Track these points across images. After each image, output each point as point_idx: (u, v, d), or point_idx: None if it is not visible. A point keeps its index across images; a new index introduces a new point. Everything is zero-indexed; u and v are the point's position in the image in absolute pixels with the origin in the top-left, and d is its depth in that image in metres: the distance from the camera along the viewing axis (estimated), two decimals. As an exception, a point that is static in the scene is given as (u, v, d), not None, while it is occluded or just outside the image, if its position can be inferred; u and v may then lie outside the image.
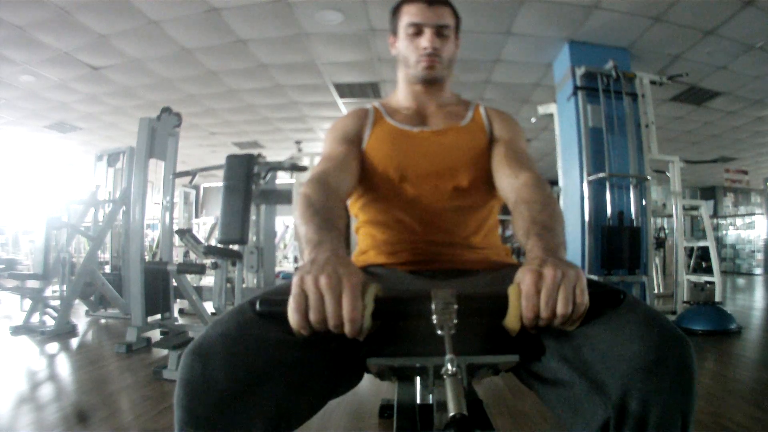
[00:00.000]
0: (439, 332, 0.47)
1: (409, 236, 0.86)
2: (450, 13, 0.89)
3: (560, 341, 0.59)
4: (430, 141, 0.89)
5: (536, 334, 0.64)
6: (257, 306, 0.52)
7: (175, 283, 3.22)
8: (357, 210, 0.95)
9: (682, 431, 0.50)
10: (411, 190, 0.87)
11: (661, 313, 0.57)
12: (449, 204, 0.87)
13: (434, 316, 0.47)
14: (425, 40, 0.86)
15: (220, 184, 2.59)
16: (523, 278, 0.50)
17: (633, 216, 3.34)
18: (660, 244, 6.07)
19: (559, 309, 0.48)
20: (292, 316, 0.49)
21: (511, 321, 0.51)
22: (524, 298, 0.49)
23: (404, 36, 0.89)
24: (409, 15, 0.87)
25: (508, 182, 0.81)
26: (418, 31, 0.87)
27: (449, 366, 0.43)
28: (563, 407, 0.59)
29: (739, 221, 9.39)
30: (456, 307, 0.48)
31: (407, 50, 0.89)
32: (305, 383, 0.58)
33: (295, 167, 3.06)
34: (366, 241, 0.92)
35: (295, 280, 0.49)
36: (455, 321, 0.47)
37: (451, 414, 0.40)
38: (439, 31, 0.86)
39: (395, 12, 0.92)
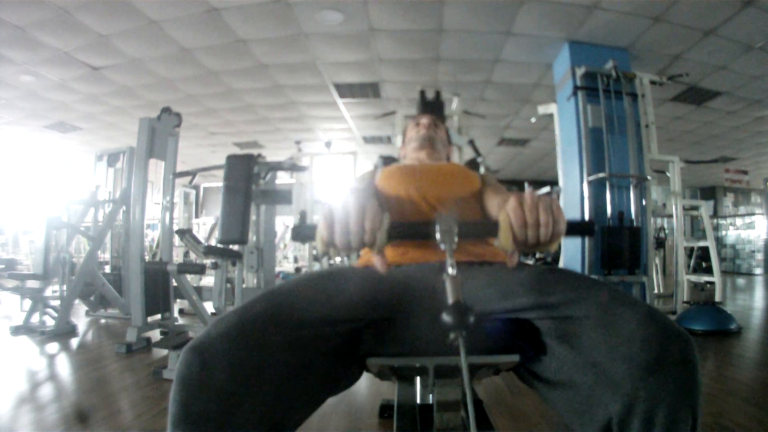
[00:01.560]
0: (441, 246, 0.55)
1: (412, 219, 0.92)
2: (441, 121, 1.33)
3: (562, 342, 0.59)
4: (431, 168, 1.10)
5: (536, 333, 0.64)
6: (291, 231, 0.64)
7: (175, 283, 3.22)
8: None
9: (692, 426, 0.51)
10: (416, 195, 0.97)
11: (660, 310, 0.58)
12: (452, 198, 0.97)
13: (438, 234, 0.56)
14: (422, 127, 1.24)
15: (220, 184, 2.59)
16: (509, 202, 0.58)
17: (633, 216, 3.34)
18: (660, 244, 6.07)
19: (542, 218, 0.56)
20: (322, 233, 0.56)
21: (503, 240, 0.58)
22: (511, 211, 0.57)
23: (409, 136, 1.28)
24: (413, 119, 1.33)
25: (495, 203, 0.96)
26: (417, 123, 1.27)
27: (450, 270, 0.50)
28: (565, 406, 0.60)
29: (739, 221, 9.38)
30: (456, 229, 0.56)
31: (410, 136, 1.26)
32: (305, 382, 0.59)
33: (295, 167, 3.07)
34: None
35: (325, 206, 0.58)
36: (456, 240, 0.55)
37: (450, 302, 0.46)
38: (433, 123, 1.26)
39: (405, 130, 1.33)
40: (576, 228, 0.61)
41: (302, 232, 0.62)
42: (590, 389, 0.55)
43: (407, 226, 0.62)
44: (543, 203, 0.56)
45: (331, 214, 0.56)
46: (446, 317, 0.44)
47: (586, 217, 3.37)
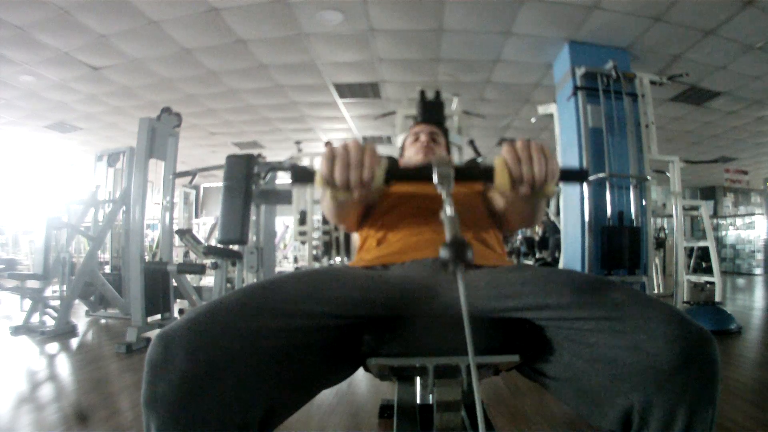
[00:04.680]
0: (438, 188, 0.56)
1: (413, 220, 0.91)
2: (439, 131, 1.28)
3: (572, 340, 0.59)
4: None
5: (536, 333, 0.64)
6: (290, 173, 0.64)
7: (175, 283, 3.22)
8: (364, 232, 1.01)
9: (711, 421, 0.52)
10: (413, 191, 0.96)
11: (679, 308, 0.58)
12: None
13: (435, 176, 0.57)
14: (420, 147, 1.20)
15: (220, 184, 2.59)
16: (502, 148, 0.61)
17: (633, 216, 3.34)
18: (660, 244, 6.07)
19: (534, 155, 0.60)
20: (322, 169, 0.59)
21: (500, 179, 0.61)
22: (505, 152, 0.61)
23: (408, 144, 1.26)
24: (411, 129, 1.28)
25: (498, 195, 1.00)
26: (416, 138, 1.24)
27: (448, 210, 0.51)
28: (579, 399, 0.60)
29: (739, 221, 9.38)
30: (452, 172, 0.57)
31: (408, 154, 1.23)
32: (291, 372, 0.59)
33: (295, 167, 3.06)
34: (371, 241, 0.95)
35: (326, 149, 0.60)
36: (452, 183, 0.56)
37: (448, 238, 0.47)
38: (432, 137, 1.23)
39: (404, 143, 1.32)
40: (569, 173, 0.65)
41: (301, 174, 0.63)
42: (607, 382, 0.55)
43: (405, 168, 0.64)
44: (534, 143, 0.61)
45: (332, 150, 0.60)
46: (444, 252, 0.45)
47: (586, 217, 3.37)
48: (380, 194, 0.69)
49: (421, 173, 0.59)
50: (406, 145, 1.30)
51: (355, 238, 1.05)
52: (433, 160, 0.58)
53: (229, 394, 0.53)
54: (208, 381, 0.52)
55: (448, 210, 0.51)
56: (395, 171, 0.62)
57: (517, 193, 0.62)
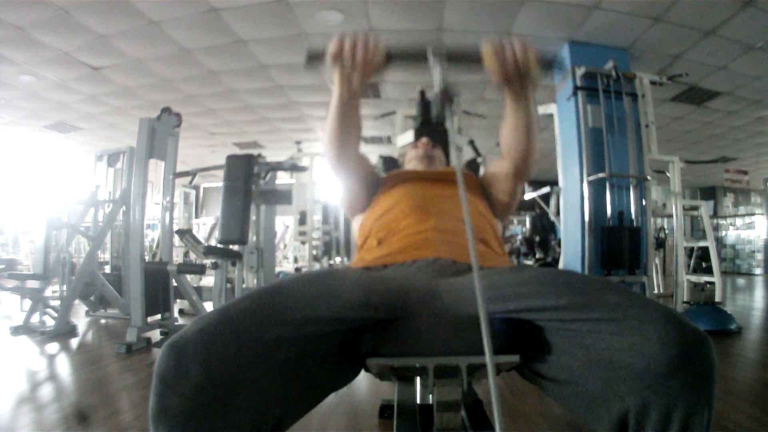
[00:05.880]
0: (433, 74, 0.64)
1: (413, 223, 0.92)
2: (438, 145, 1.36)
3: (570, 342, 0.59)
4: (430, 171, 1.17)
5: (536, 333, 0.63)
6: (305, 56, 0.76)
7: (175, 283, 3.22)
8: (366, 226, 1.03)
9: (707, 421, 0.51)
10: (415, 190, 1.00)
11: (676, 310, 0.57)
12: (449, 195, 0.99)
13: (430, 57, 0.66)
14: (420, 146, 1.29)
15: (220, 184, 2.60)
16: (483, 44, 0.72)
17: (633, 216, 3.34)
18: (660, 244, 6.07)
19: (515, 44, 0.71)
20: (333, 45, 0.72)
21: (489, 62, 0.71)
22: (490, 42, 0.72)
23: (409, 150, 1.36)
24: (412, 144, 1.41)
25: (493, 166, 1.09)
26: (416, 146, 1.32)
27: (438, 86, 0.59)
28: (576, 402, 0.60)
29: (739, 221, 9.38)
30: (446, 53, 0.65)
31: (408, 156, 1.32)
32: (300, 380, 0.58)
33: (295, 167, 3.07)
34: (371, 241, 0.95)
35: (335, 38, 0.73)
36: (446, 63, 0.65)
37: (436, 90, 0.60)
38: (431, 145, 1.30)
39: (404, 154, 1.40)
40: (543, 59, 0.73)
41: (314, 53, 0.74)
42: (604, 385, 0.55)
43: (404, 47, 0.74)
44: (514, 40, 0.72)
45: (343, 33, 0.70)
46: (433, 102, 0.53)
47: (586, 217, 3.37)
48: (380, 76, 0.80)
49: (418, 54, 0.69)
50: (406, 157, 1.37)
51: (355, 237, 1.06)
52: (429, 45, 0.67)
53: (242, 405, 0.52)
54: (222, 393, 0.51)
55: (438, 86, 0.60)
56: (395, 50, 0.73)
57: (506, 79, 0.73)
